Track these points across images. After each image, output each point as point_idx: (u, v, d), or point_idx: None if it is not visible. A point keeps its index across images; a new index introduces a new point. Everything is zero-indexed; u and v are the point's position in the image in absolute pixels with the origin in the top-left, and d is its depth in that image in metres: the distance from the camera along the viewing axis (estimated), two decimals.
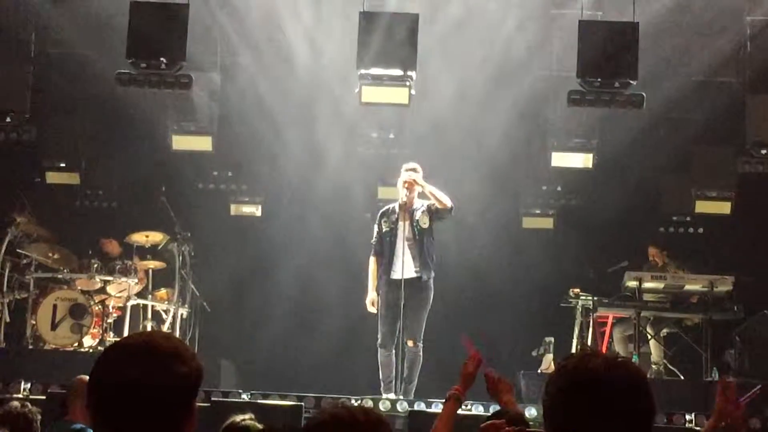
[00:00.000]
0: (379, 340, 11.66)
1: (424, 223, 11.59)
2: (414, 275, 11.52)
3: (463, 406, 11.20)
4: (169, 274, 14.26)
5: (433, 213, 11.60)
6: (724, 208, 15.22)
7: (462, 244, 14.01)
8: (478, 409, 11.23)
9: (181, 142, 15.33)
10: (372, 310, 11.65)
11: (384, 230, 11.74)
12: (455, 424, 10.53)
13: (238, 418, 5.83)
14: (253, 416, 5.86)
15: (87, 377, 2.78)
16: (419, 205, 11.67)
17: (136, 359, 2.71)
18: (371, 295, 11.66)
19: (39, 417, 5.98)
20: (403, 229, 11.57)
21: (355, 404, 10.48)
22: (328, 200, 15.71)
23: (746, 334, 13.19)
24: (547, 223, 16.48)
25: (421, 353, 11.60)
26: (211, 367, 12.80)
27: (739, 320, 13.26)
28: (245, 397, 11.30)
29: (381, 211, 11.95)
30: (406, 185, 11.53)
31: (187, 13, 12.85)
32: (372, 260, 11.80)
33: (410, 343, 11.49)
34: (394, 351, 11.60)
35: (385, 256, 11.70)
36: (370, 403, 11.10)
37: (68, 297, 13.29)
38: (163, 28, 12.78)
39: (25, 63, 14.51)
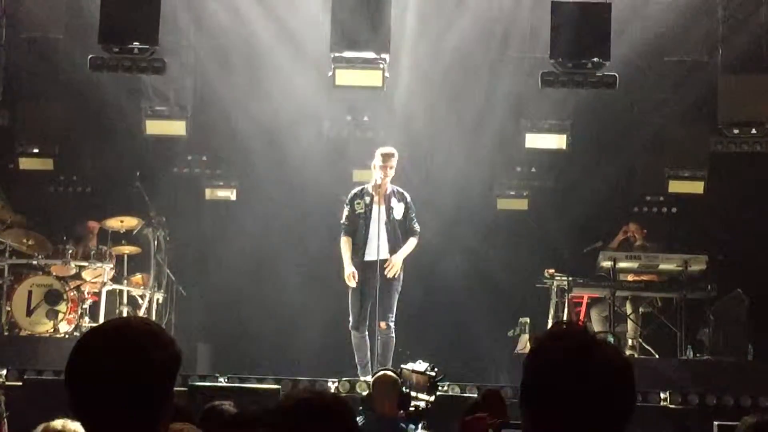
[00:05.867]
0: (351, 323, 11.70)
1: (398, 215, 11.67)
2: (387, 257, 11.56)
3: (441, 388, 11.31)
4: (144, 259, 14.23)
5: (407, 209, 11.69)
6: (697, 187, 15.30)
7: (436, 225, 14.02)
8: (454, 390, 11.29)
9: (154, 127, 15.28)
10: (351, 284, 11.65)
11: (357, 212, 11.77)
12: (433, 404, 10.53)
13: (217, 402, 5.89)
14: (231, 403, 5.91)
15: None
16: (393, 190, 11.71)
17: (113, 345, 2.72)
18: (349, 269, 11.65)
19: (3, 398, 5.96)
20: (378, 212, 11.62)
21: (332, 387, 10.48)
22: (303, 184, 15.70)
23: (720, 312, 13.27)
24: (522, 204, 16.52)
25: (393, 335, 11.62)
26: (188, 352, 12.78)
27: (712, 299, 13.34)
28: (222, 381, 11.31)
29: (353, 193, 11.97)
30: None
31: None
32: (343, 239, 11.82)
33: (382, 325, 11.52)
34: (367, 333, 11.65)
35: (358, 237, 11.74)
36: (347, 386, 11.15)
37: (43, 283, 13.24)
38: (136, 12, 12.72)
39: None
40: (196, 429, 3.68)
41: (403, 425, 8.10)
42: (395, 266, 11.56)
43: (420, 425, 8.12)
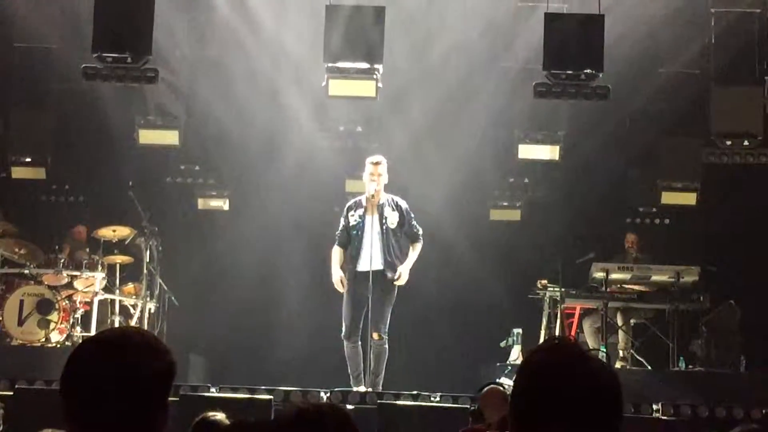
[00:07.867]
0: (344, 332, 11.68)
1: (392, 223, 11.66)
2: (380, 268, 11.56)
3: (432, 398, 11.29)
4: (136, 269, 14.20)
5: (403, 217, 11.68)
6: (690, 199, 15.32)
7: (430, 236, 14.03)
8: (447, 402, 11.27)
9: (147, 137, 15.29)
10: (340, 288, 11.67)
11: (351, 223, 11.77)
12: (426, 415, 10.53)
13: (210, 413, 5.84)
14: (224, 415, 5.87)
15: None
16: (387, 199, 11.71)
17: (109, 355, 2.71)
18: (338, 274, 11.69)
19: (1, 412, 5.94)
20: (371, 223, 11.63)
21: (324, 397, 10.46)
22: (295, 194, 15.70)
23: (712, 324, 13.29)
24: (515, 215, 16.55)
25: (386, 346, 11.61)
26: (180, 362, 12.71)
27: (705, 310, 13.35)
28: (214, 391, 11.28)
29: (348, 204, 11.99)
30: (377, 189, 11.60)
31: (153, 7, 12.80)
32: (335, 249, 11.83)
33: (375, 336, 11.50)
34: (360, 344, 11.63)
35: (352, 248, 11.74)
36: (339, 396, 11.12)
37: (35, 292, 13.19)
38: (129, 21, 12.72)
39: None
40: None
41: None
42: (404, 278, 11.65)
43: None
